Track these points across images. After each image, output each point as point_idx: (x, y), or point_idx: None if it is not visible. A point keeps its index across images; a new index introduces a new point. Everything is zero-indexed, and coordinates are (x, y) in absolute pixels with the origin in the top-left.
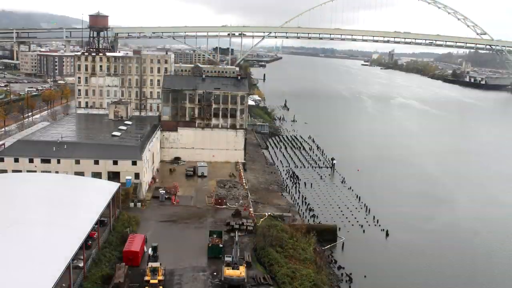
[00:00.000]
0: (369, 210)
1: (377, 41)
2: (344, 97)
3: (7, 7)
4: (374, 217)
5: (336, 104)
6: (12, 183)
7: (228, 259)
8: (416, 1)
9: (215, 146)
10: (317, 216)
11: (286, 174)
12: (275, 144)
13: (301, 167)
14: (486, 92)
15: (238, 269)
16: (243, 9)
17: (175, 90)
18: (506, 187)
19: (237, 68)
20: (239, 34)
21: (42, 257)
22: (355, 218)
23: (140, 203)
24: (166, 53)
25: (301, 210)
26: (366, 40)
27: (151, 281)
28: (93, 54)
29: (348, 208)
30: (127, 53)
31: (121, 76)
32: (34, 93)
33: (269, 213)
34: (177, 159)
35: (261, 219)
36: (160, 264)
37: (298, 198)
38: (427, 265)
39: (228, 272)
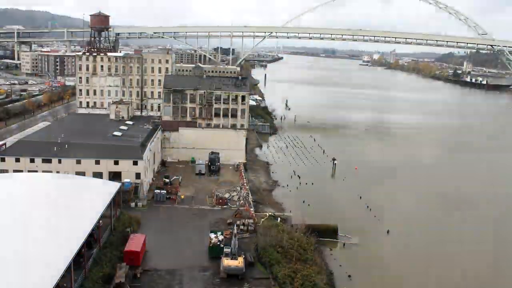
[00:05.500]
0: (370, 209)
1: (378, 41)
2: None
3: (8, 6)
4: (375, 216)
5: (339, 104)
6: (13, 183)
7: (227, 250)
8: (417, 1)
9: (216, 146)
10: (318, 216)
11: (287, 173)
12: (276, 143)
13: (302, 166)
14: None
15: (237, 260)
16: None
17: (176, 90)
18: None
19: (238, 68)
20: (240, 34)
21: (43, 257)
22: (356, 217)
23: (141, 203)
24: (167, 53)
25: (302, 209)
26: (367, 40)
27: None
28: (94, 54)
29: (349, 207)
30: (128, 53)
31: (122, 76)
32: (36, 93)
33: (269, 213)
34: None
35: (262, 219)
36: None
37: (299, 197)
38: (428, 265)
39: (227, 262)
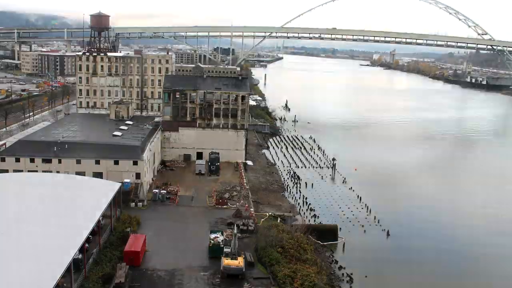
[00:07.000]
0: (370, 210)
1: (378, 41)
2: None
3: (8, 6)
4: (375, 217)
5: (339, 104)
6: (13, 183)
7: (227, 250)
8: (417, 1)
9: (216, 146)
10: (318, 216)
11: (287, 174)
12: (276, 144)
13: (302, 167)
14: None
15: (237, 260)
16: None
17: (176, 90)
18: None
19: (238, 68)
20: (240, 34)
21: (43, 257)
22: (356, 218)
23: (141, 203)
24: (167, 53)
25: (302, 210)
26: (367, 41)
27: None
28: (94, 54)
29: (349, 208)
30: (128, 53)
31: (122, 76)
32: (36, 93)
33: (270, 213)
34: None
35: (262, 219)
36: None
37: (299, 198)
38: (428, 265)
39: (227, 262)
